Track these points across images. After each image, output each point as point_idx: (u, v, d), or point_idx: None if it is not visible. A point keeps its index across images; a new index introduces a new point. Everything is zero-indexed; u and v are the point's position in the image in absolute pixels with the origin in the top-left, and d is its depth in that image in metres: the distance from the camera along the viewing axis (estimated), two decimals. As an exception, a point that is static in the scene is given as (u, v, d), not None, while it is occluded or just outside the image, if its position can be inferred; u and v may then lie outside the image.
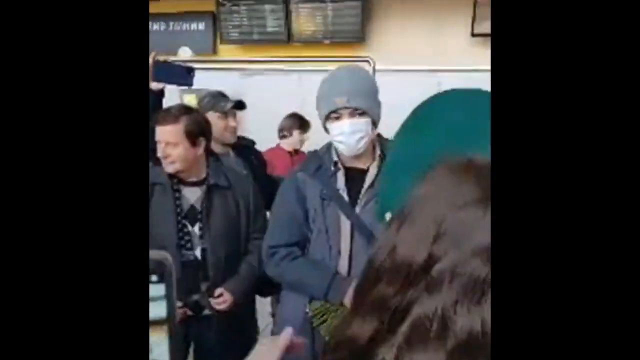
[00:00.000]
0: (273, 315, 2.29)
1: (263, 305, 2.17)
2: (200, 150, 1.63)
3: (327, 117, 1.35)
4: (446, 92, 1.02)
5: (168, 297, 0.47)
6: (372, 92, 1.36)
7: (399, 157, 0.79)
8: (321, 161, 1.42)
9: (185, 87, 2.58)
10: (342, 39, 3.96)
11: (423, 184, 0.52)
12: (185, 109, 1.62)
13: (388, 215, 0.62)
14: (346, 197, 1.37)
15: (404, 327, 0.47)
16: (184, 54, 2.72)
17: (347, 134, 1.31)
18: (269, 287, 2.04)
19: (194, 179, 1.64)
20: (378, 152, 1.41)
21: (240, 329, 1.80)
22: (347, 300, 1.29)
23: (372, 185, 1.37)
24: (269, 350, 0.73)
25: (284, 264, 1.39)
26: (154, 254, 0.48)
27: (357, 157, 1.39)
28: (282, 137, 3.18)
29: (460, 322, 0.44)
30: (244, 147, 2.18)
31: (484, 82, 3.24)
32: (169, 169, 1.58)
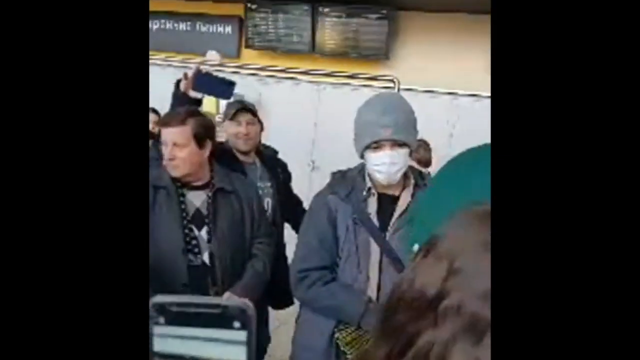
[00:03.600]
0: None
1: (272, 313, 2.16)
2: (207, 153, 1.61)
3: (367, 147, 1.35)
4: (480, 147, 1.05)
5: (249, 343, 0.50)
6: (412, 122, 1.37)
7: (434, 198, 0.81)
8: (353, 184, 1.41)
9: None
10: (366, 55, 3.98)
11: (447, 224, 0.54)
12: (192, 112, 1.61)
13: (416, 247, 0.64)
14: (377, 223, 1.37)
15: (408, 356, 0.49)
16: (212, 57, 2.74)
17: (388, 164, 1.32)
18: (282, 299, 2.04)
19: (198, 183, 1.61)
20: (412, 180, 1.42)
21: None
22: None
23: (403, 212, 1.37)
24: None
25: (316, 289, 1.37)
26: (236, 301, 0.52)
27: (390, 184, 1.39)
28: None
29: None
30: (270, 158, 2.17)
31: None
32: (175, 172, 1.55)
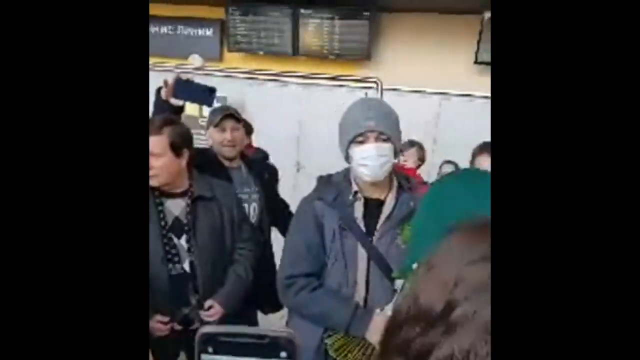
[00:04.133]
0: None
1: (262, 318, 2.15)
2: (184, 161, 1.59)
3: (352, 142, 1.34)
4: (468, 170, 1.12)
5: None
6: (395, 120, 1.38)
7: (427, 218, 0.84)
8: (339, 189, 1.41)
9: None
10: (348, 56, 4.00)
11: (445, 240, 0.56)
12: (167, 120, 1.58)
13: (414, 266, 0.67)
14: (363, 228, 1.37)
15: None
16: (194, 60, 2.72)
17: (373, 157, 1.31)
18: (271, 304, 2.03)
19: (176, 191, 1.59)
20: (395, 182, 1.42)
21: None
22: (369, 334, 1.29)
23: (389, 216, 1.37)
24: None
25: (303, 295, 1.37)
26: (283, 332, 0.54)
27: (375, 187, 1.39)
28: None
29: None
30: (257, 161, 2.15)
31: (484, 108, 3.28)
32: (153, 182, 1.52)
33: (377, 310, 1.32)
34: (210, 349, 0.53)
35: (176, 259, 1.56)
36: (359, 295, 1.35)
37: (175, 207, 1.59)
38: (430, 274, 0.55)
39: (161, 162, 1.50)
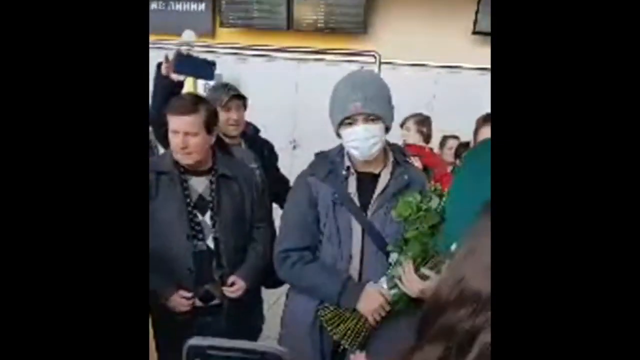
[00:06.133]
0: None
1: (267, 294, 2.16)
2: (213, 139, 1.63)
3: (341, 123, 1.35)
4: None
5: None
6: (386, 97, 1.36)
7: (462, 195, 0.82)
8: (333, 165, 1.41)
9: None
10: (344, 29, 3.92)
11: (484, 220, 0.54)
12: (200, 99, 1.61)
13: (454, 246, 0.65)
14: (357, 202, 1.38)
15: (473, 353, 0.49)
16: (187, 36, 2.64)
17: (362, 139, 1.32)
18: (274, 279, 2.06)
19: (201, 169, 1.62)
20: (390, 157, 1.42)
21: (247, 317, 1.81)
22: (360, 305, 1.32)
23: (383, 190, 1.38)
24: None
25: (297, 269, 1.39)
26: (273, 347, 0.54)
27: (369, 162, 1.39)
28: None
29: None
30: (256, 139, 2.15)
31: (482, 80, 3.23)
32: (188, 160, 1.55)
33: (370, 282, 1.34)
34: None
35: (200, 235, 1.60)
36: (354, 268, 1.37)
37: (199, 185, 1.62)
38: (474, 258, 0.53)
39: (197, 140, 1.54)
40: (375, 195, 1.38)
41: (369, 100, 1.30)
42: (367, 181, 1.40)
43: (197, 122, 1.53)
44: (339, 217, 1.37)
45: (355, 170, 1.40)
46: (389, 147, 1.44)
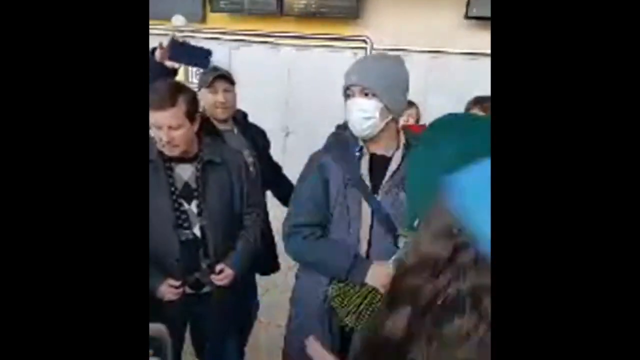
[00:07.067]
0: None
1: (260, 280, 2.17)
2: (196, 127, 1.58)
3: (345, 96, 1.37)
4: (456, 115, 1.11)
5: None
6: (389, 77, 1.34)
7: (419, 172, 0.83)
8: (346, 145, 1.42)
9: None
10: (336, 15, 3.89)
11: (441, 193, 0.56)
12: (178, 88, 1.54)
13: (416, 222, 0.67)
14: (369, 184, 1.38)
15: (435, 308, 0.53)
16: (178, 22, 2.60)
17: (355, 111, 1.33)
18: (268, 265, 2.06)
19: (186, 156, 1.58)
20: (402, 140, 1.43)
21: (239, 304, 1.81)
22: (369, 279, 1.33)
23: (394, 173, 1.38)
24: None
25: (307, 243, 1.41)
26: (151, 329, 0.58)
27: (381, 143, 1.40)
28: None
29: (486, 303, 0.49)
30: (248, 125, 2.13)
31: (473, 65, 3.23)
32: (174, 152, 1.52)
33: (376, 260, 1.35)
34: None
35: (186, 224, 1.58)
36: (362, 250, 1.38)
37: (185, 172, 1.58)
38: (432, 226, 0.56)
39: (180, 132, 1.49)
40: (386, 178, 1.38)
41: (366, 76, 1.32)
42: (379, 163, 1.41)
43: (179, 115, 1.48)
44: (349, 198, 1.38)
45: (368, 151, 1.41)
46: (402, 130, 1.46)
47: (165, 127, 1.47)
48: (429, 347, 0.54)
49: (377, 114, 1.33)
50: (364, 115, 1.33)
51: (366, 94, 1.32)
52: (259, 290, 2.19)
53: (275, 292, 2.53)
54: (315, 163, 1.45)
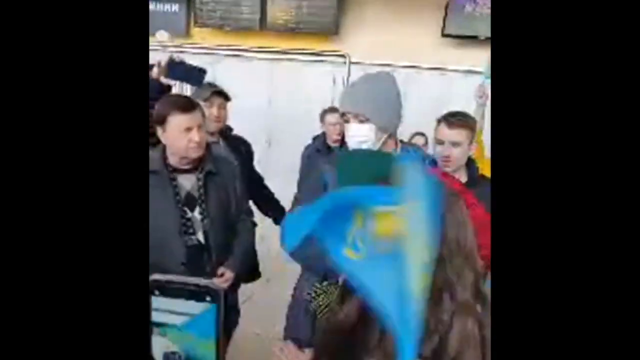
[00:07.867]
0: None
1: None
2: None
3: (345, 121, 1.45)
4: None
5: None
6: (379, 99, 1.42)
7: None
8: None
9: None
10: (316, 30, 4.00)
11: None
12: (194, 99, 1.70)
13: None
14: None
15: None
16: (161, 36, 2.66)
17: (349, 137, 1.43)
18: (250, 273, 2.13)
19: (187, 166, 1.68)
20: (399, 151, 1.51)
21: (231, 308, 1.88)
22: (341, 279, 1.37)
23: None
24: None
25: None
26: (211, 283, 0.78)
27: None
28: None
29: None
30: (234, 137, 2.22)
31: (451, 81, 3.31)
32: (197, 153, 1.63)
33: None
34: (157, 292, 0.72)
35: (191, 230, 1.66)
36: None
37: (187, 182, 1.68)
38: None
39: (201, 134, 1.61)
40: None
41: (356, 101, 1.41)
42: None
43: (200, 117, 1.61)
44: None
45: None
46: (400, 143, 1.54)
47: (196, 127, 1.59)
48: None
49: (372, 136, 1.42)
50: (360, 139, 1.42)
51: (361, 120, 1.40)
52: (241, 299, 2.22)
53: (255, 301, 2.56)
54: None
